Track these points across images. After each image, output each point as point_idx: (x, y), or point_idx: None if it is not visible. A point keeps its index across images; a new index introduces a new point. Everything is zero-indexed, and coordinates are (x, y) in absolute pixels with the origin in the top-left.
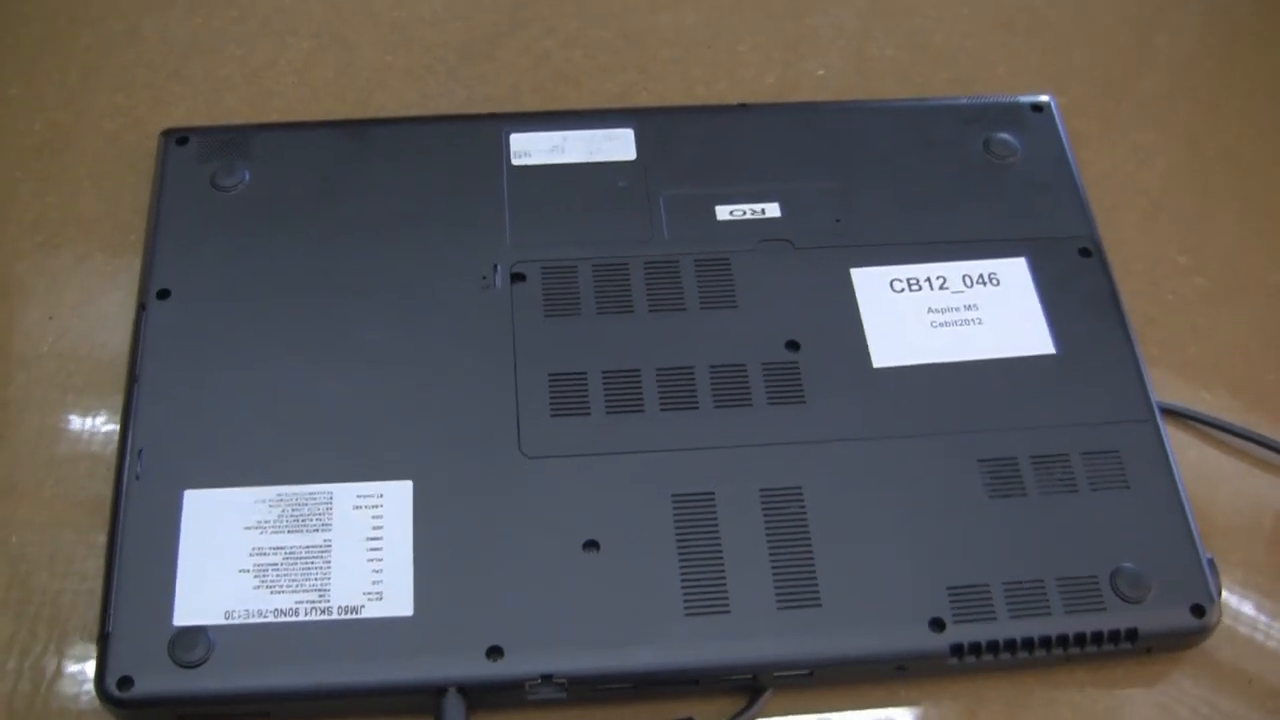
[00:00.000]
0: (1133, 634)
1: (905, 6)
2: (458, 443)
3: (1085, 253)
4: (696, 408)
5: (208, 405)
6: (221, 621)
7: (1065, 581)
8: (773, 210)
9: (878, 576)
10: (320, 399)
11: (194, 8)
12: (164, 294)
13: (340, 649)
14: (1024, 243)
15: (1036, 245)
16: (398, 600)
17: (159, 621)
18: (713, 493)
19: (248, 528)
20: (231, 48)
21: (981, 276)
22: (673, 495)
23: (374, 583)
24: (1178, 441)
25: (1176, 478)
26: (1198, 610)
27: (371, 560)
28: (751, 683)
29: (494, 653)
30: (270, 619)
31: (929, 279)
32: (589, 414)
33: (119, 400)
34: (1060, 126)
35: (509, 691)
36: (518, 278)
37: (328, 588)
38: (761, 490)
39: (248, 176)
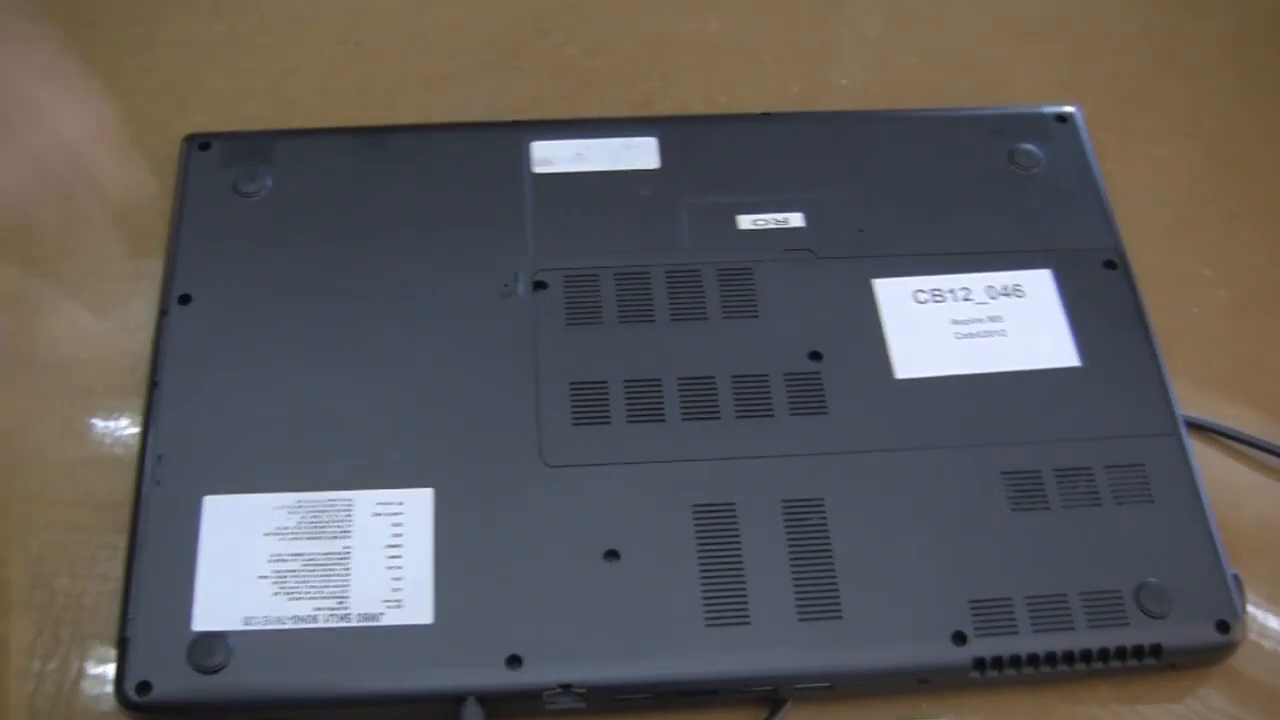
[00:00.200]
0: (1156, 649)
1: (929, 16)
2: (478, 451)
3: (1110, 265)
4: (718, 418)
5: (228, 411)
6: (240, 627)
7: (1089, 596)
8: (795, 220)
9: (899, 589)
10: (341, 405)
11: (217, 13)
12: (185, 299)
13: (359, 656)
14: (1048, 254)
15: (1061, 257)
16: (417, 608)
17: (178, 627)
18: (734, 503)
19: (267, 534)
20: (254, 54)
21: (1005, 288)
22: (694, 505)
23: (393, 590)
24: (1202, 455)
25: (1201, 492)
26: (1222, 626)
27: (391, 568)
28: (772, 694)
29: (513, 662)
30: (289, 625)
31: (952, 290)
32: (610, 423)
33: (140, 405)
34: (1084, 137)
35: (528, 701)
36: (539, 285)
37: (347, 595)
38: (783, 501)
39: (270, 182)
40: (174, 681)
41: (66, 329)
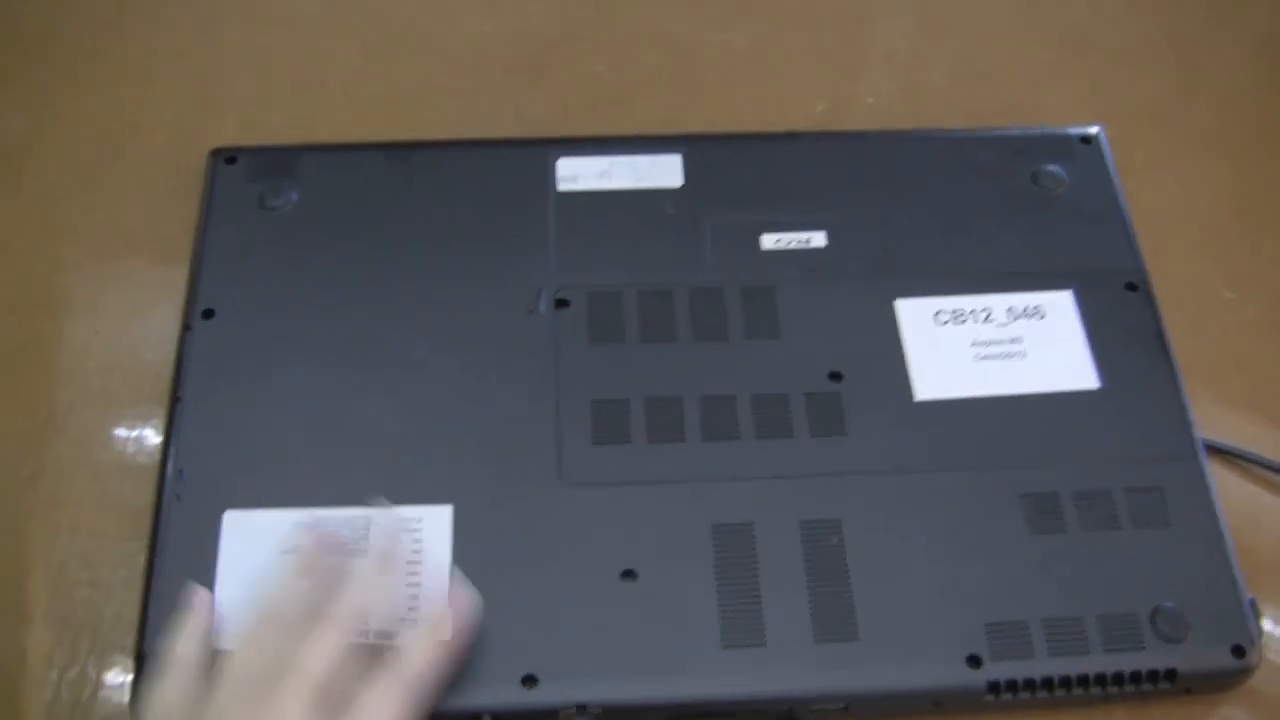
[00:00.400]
0: (1172, 674)
1: (955, 33)
2: (498, 469)
3: (1132, 287)
4: (738, 438)
5: (249, 426)
6: None
7: (1105, 619)
8: (818, 239)
9: (915, 611)
10: (362, 422)
11: (243, 24)
12: (209, 314)
13: None
14: (1070, 276)
15: (1083, 278)
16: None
17: None
18: (752, 523)
19: (286, 550)
20: (280, 65)
21: (1027, 309)
22: (712, 526)
23: (410, 608)
24: (1221, 478)
25: (1219, 516)
26: (1238, 651)
27: (409, 585)
28: (787, 715)
29: (529, 681)
30: None
31: (973, 311)
32: (630, 442)
33: (162, 416)
34: (1108, 158)
35: None
36: (562, 303)
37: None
38: (801, 522)
39: (295, 197)
40: None
41: (91, 339)
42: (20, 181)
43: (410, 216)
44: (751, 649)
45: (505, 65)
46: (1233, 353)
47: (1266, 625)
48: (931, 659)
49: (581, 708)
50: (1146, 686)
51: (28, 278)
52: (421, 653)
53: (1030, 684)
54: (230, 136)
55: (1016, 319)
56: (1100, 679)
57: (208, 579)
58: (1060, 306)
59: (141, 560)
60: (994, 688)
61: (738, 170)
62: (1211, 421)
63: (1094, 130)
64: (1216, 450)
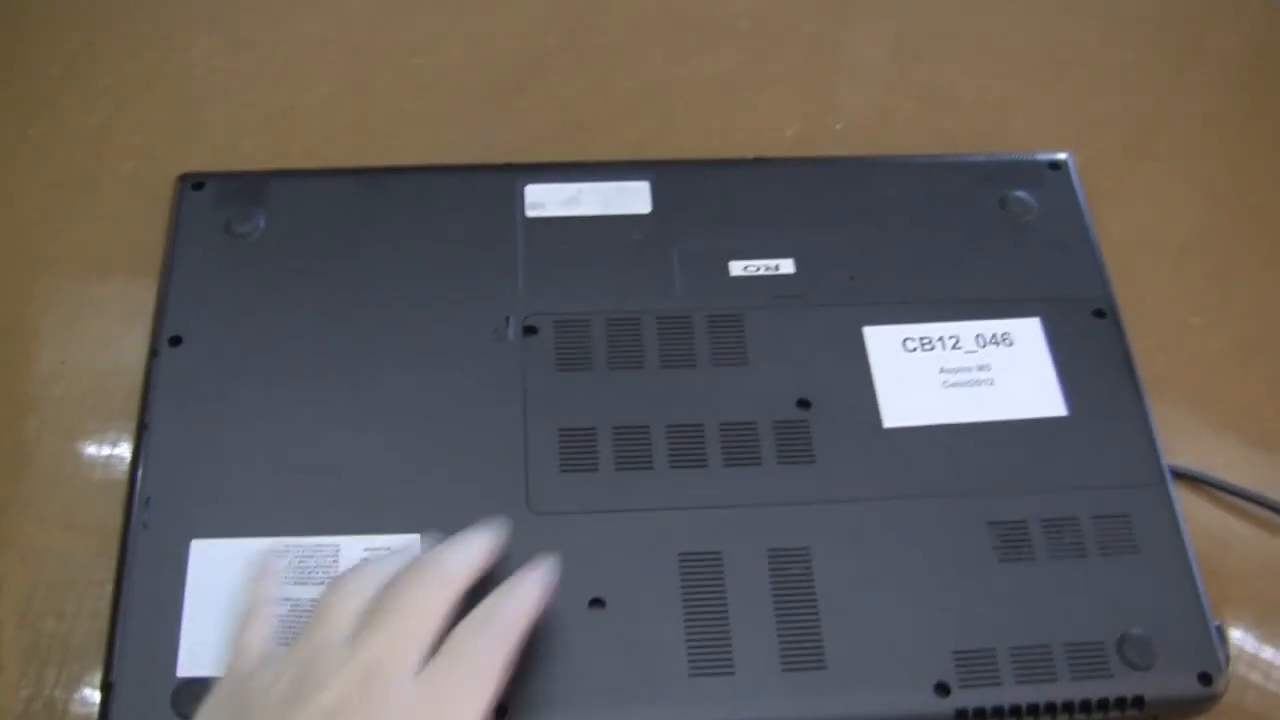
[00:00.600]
0: (1139, 701)
1: (926, 58)
2: (466, 497)
3: (1100, 314)
4: (705, 466)
5: (217, 454)
6: None
7: (1072, 647)
8: (786, 266)
9: (883, 639)
10: (330, 450)
11: (215, 50)
12: (176, 341)
13: None
14: (1038, 303)
15: (1051, 305)
16: None
17: (163, 672)
18: (720, 552)
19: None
20: (251, 91)
21: (995, 336)
22: (680, 554)
23: None
24: (1189, 505)
25: (1186, 543)
26: (1205, 678)
27: None
28: None
29: (497, 711)
30: None
31: (942, 338)
32: (598, 470)
33: (130, 444)
34: (1077, 185)
35: None
36: (530, 330)
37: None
38: (769, 550)
39: (263, 223)
40: None
41: (58, 366)
42: None
43: (378, 243)
44: (719, 677)
45: (476, 92)
46: (1200, 379)
47: (1234, 651)
48: (899, 687)
49: None
50: (1114, 714)
51: None
52: (519, 598)
53: (999, 712)
54: (200, 163)
55: (985, 346)
56: (1068, 706)
57: (174, 609)
58: (1028, 333)
59: (109, 589)
60: (962, 715)
61: (706, 197)
62: (1179, 448)
63: (1063, 157)
64: (1183, 476)
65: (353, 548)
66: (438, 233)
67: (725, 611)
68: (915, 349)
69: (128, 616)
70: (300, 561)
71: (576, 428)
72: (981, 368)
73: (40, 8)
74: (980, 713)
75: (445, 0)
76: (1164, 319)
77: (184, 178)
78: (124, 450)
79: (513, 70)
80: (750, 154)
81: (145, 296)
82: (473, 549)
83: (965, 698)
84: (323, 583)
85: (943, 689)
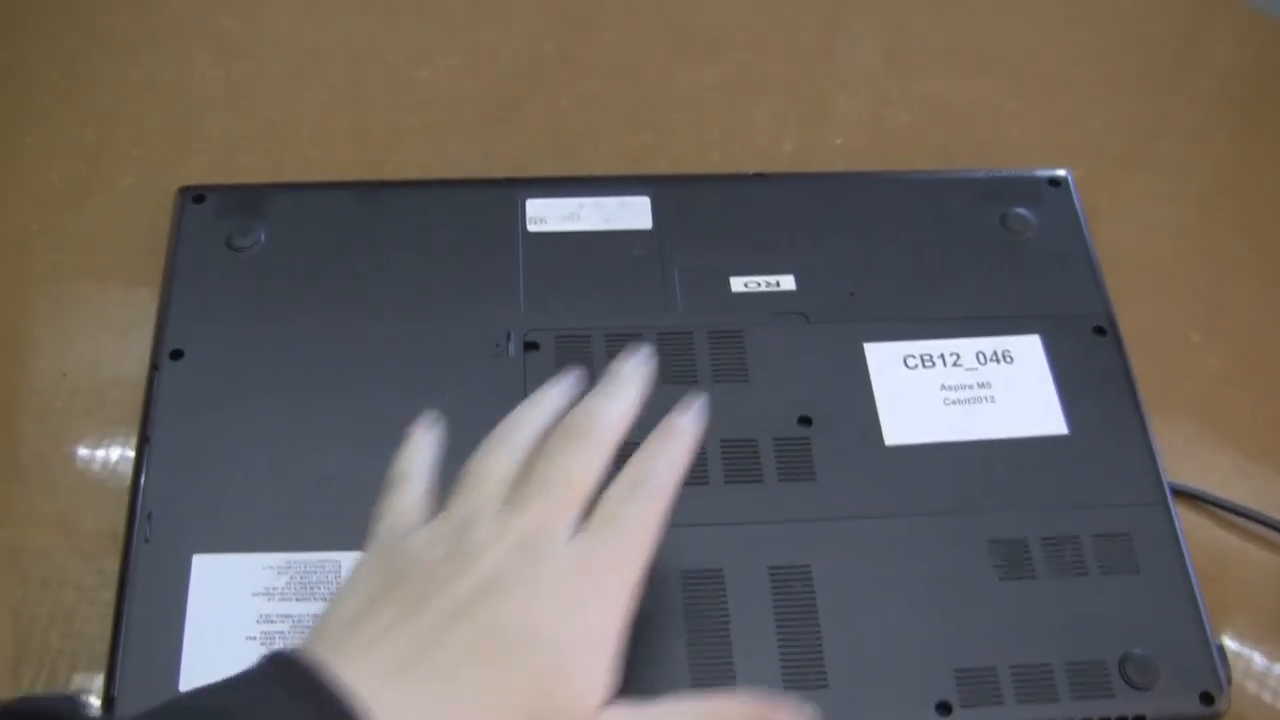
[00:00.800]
0: None
1: (924, 74)
2: None
3: (1099, 331)
4: (706, 483)
5: (219, 469)
6: None
7: (1073, 666)
8: (787, 282)
9: (885, 658)
10: (332, 464)
11: (213, 62)
12: (177, 355)
13: None
14: (1038, 320)
15: (1051, 322)
16: None
17: (164, 688)
18: (721, 570)
19: (256, 595)
20: (249, 103)
21: (995, 354)
22: (681, 572)
23: None
24: (1189, 523)
25: (1187, 562)
26: (1207, 698)
27: None
28: None
29: None
30: None
31: (942, 355)
32: None
33: (130, 458)
34: (1077, 201)
35: None
36: (531, 346)
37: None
38: (770, 568)
39: (263, 237)
40: None
41: (58, 380)
42: None
43: (379, 257)
44: None
45: (474, 104)
46: (1200, 396)
47: (1235, 668)
48: (901, 706)
49: None
50: None
51: None
52: (670, 455)
53: None
54: (199, 175)
55: (985, 363)
56: None
57: (176, 624)
58: (1029, 350)
59: (110, 602)
60: None
61: (706, 212)
62: (1179, 466)
63: (1062, 173)
64: (1184, 494)
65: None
66: (439, 247)
67: (727, 629)
68: (916, 366)
69: (129, 632)
70: (302, 577)
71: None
72: (982, 385)
73: (38, 19)
74: None
75: (443, 13)
76: (1163, 335)
77: (184, 190)
78: (125, 463)
79: (511, 83)
80: (749, 168)
81: (145, 308)
82: (624, 401)
83: (967, 716)
84: (325, 599)
85: (944, 708)
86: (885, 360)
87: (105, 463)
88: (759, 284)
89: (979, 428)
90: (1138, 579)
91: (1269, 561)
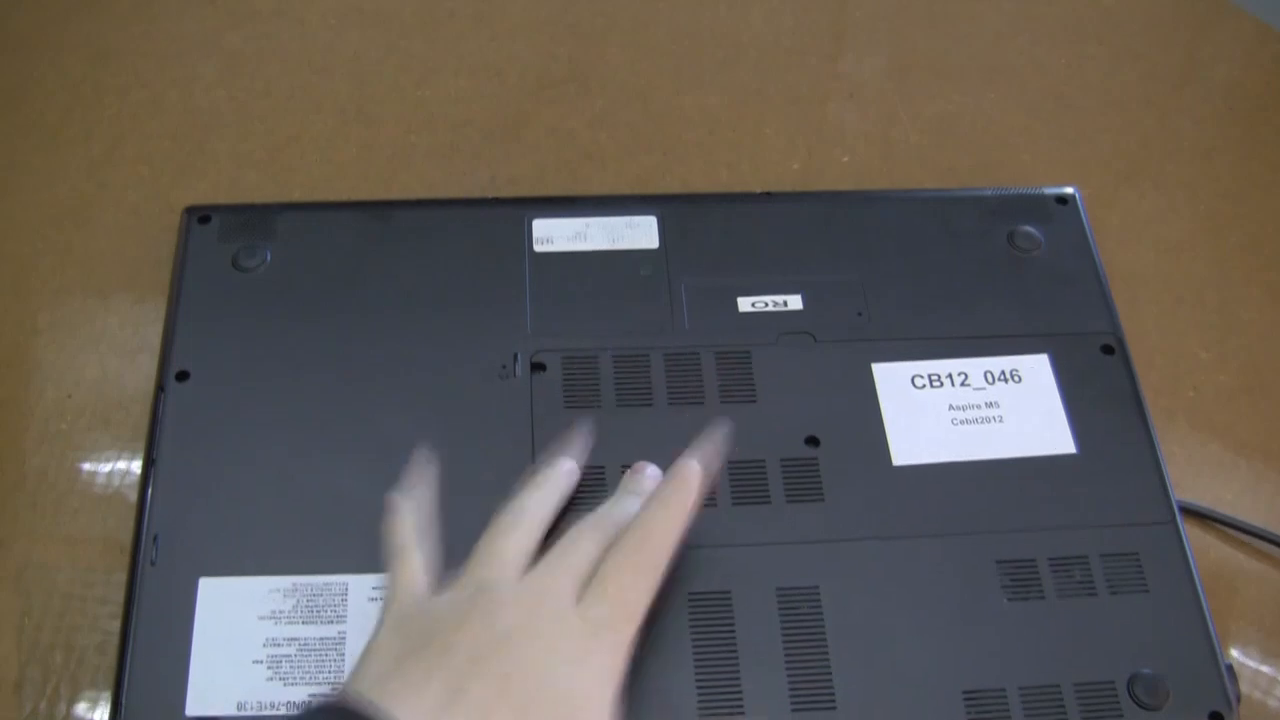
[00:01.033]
0: None
1: (931, 92)
2: (474, 535)
3: (1108, 349)
4: (714, 504)
5: (225, 491)
6: (233, 713)
7: (1082, 687)
8: (794, 302)
9: (893, 679)
10: (338, 487)
11: (219, 81)
12: (183, 376)
13: None
14: (1046, 339)
15: (1059, 341)
16: None
17: (171, 711)
18: (729, 591)
19: (262, 618)
20: (255, 122)
21: (1004, 373)
22: (689, 594)
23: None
24: (1198, 541)
25: (1196, 581)
26: (1216, 717)
27: None
28: None
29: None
30: (283, 711)
31: (950, 375)
32: None
33: (136, 481)
34: (1084, 219)
35: None
36: (538, 367)
37: (341, 681)
38: (778, 590)
39: (269, 257)
40: None
41: (63, 402)
42: None
43: (384, 277)
44: (729, 718)
45: (481, 124)
46: (1208, 414)
47: (1243, 690)
48: None
49: None
50: None
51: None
52: (663, 525)
53: None
54: (204, 194)
55: (994, 383)
56: None
57: (182, 647)
58: (1037, 370)
59: (116, 626)
60: None
61: (713, 232)
62: (1187, 484)
63: (1070, 191)
64: (1193, 513)
65: (361, 586)
66: (446, 267)
67: (735, 651)
68: (924, 386)
69: (135, 655)
70: (309, 600)
71: (585, 466)
72: (990, 405)
73: (45, 38)
74: None
75: (449, 32)
76: (1171, 352)
77: (190, 210)
78: (130, 485)
79: (518, 102)
80: (756, 187)
81: (151, 328)
82: (669, 521)
83: None
84: (332, 621)
85: None
86: (893, 380)
87: (110, 484)
88: (766, 304)
89: (987, 448)
90: (1147, 599)
91: (1279, 580)
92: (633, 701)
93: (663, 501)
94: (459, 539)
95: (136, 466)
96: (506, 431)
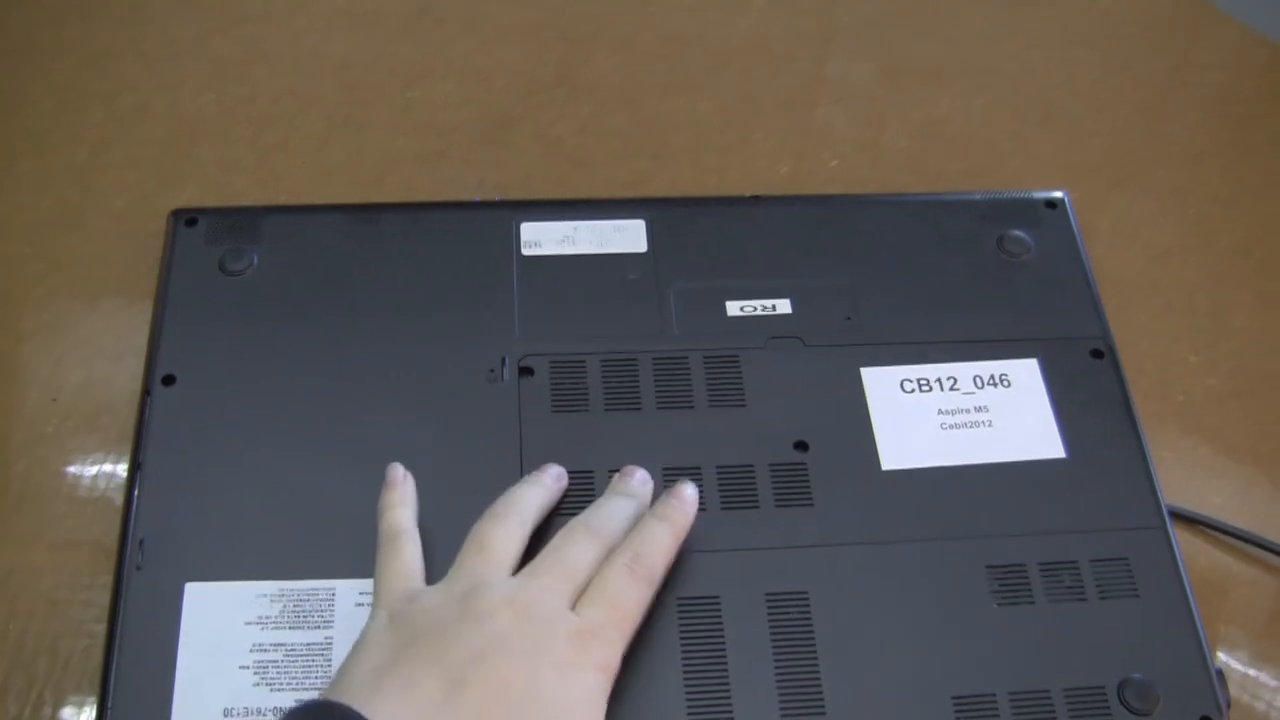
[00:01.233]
0: None
1: (920, 97)
2: (461, 539)
3: (1097, 354)
4: (703, 509)
5: (211, 495)
6: (220, 719)
7: (1072, 692)
8: (783, 306)
9: (883, 684)
10: (325, 491)
11: (206, 86)
12: (169, 380)
13: None
14: (1036, 343)
15: (1048, 346)
16: None
17: (157, 716)
18: (718, 596)
19: (249, 623)
20: (243, 127)
21: (993, 378)
22: (678, 599)
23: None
24: (1188, 546)
25: (1186, 586)
26: None
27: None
28: None
29: None
30: (270, 717)
31: (939, 379)
32: None
33: (122, 485)
34: (1074, 223)
35: None
36: (525, 371)
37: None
38: (767, 595)
39: (256, 260)
40: None
41: (48, 406)
42: None
43: (372, 281)
44: None
45: (469, 128)
46: (1198, 419)
47: (1233, 695)
48: None
49: None
50: None
51: None
52: (662, 539)
53: None
54: (192, 198)
55: (983, 387)
56: None
57: (168, 652)
58: (1026, 374)
59: (101, 631)
60: None
61: (702, 235)
62: (1177, 489)
63: (1059, 195)
64: (1182, 518)
65: (348, 591)
66: (434, 270)
67: (724, 656)
68: (913, 390)
69: (121, 661)
70: (295, 605)
71: (573, 470)
72: (979, 409)
73: (31, 42)
74: None
75: (439, 36)
76: (1160, 357)
77: (177, 213)
78: (116, 490)
79: (506, 106)
80: (744, 191)
81: (137, 333)
82: (630, 510)
83: None
84: (319, 626)
85: None
86: (882, 384)
87: (96, 488)
88: (755, 308)
89: (976, 452)
90: (1136, 603)
91: (1268, 585)
92: (621, 705)
93: (662, 516)
94: (447, 542)
95: (122, 470)
96: (494, 435)
